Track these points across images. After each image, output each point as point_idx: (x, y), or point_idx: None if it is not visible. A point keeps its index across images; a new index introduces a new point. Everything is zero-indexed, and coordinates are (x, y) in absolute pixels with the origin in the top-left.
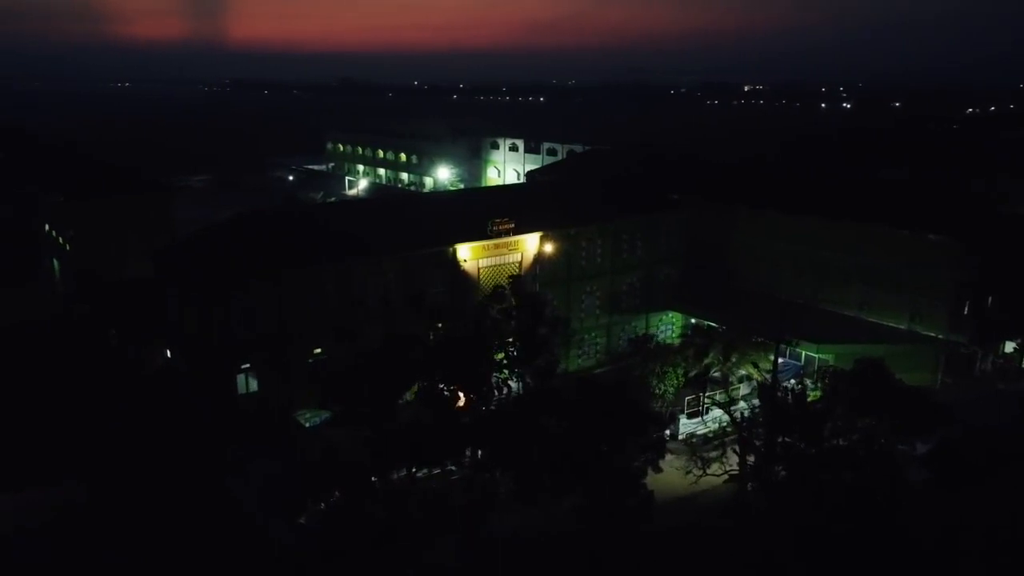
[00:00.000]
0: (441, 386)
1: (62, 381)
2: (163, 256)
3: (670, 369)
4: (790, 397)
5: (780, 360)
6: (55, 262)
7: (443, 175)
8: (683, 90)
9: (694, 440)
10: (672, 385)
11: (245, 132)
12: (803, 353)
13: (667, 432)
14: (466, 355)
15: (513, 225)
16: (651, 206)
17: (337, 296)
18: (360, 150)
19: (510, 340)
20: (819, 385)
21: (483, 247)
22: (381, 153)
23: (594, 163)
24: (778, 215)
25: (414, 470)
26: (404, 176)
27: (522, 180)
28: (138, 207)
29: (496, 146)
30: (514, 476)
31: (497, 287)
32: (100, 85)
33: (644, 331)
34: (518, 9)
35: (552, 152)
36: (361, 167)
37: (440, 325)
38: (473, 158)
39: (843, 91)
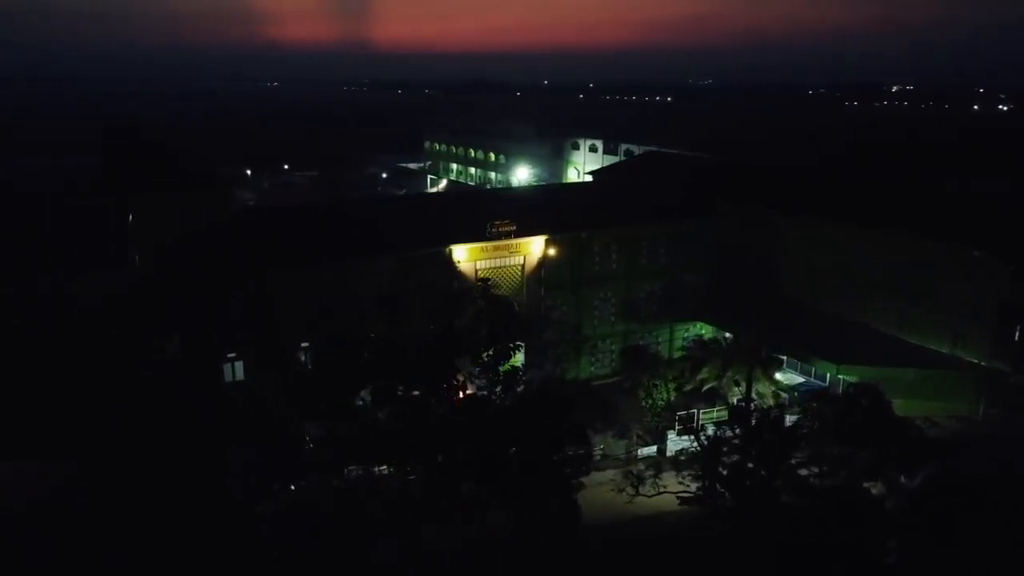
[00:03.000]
0: (400, 388)
1: (66, 377)
2: (164, 254)
3: (660, 382)
4: (755, 418)
5: (802, 380)
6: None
7: (523, 175)
8: (822, 90)
9: (683, 458)
10: (662, 399)
11: (366, 129)
12: (827, 374)
13: (654, 448)
14: (424, 358)
15: (514, 227)
16: (678, 211)
17: (326, 295)
18: (454, 149)
19: (480, 345)
20: (799, 409)
21: (481, 249)
22: (472, 152)
23: (654, 165)
24: (818, 223)
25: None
26: (492, 175)
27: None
28: (193, 201)
29: (577, 147)
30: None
31: (463, 290)
32: (250, 85)
33: (668, 341)
34: (660, 6)
35: (629, 153)
36: (455, 166)
37: (431, 326)
38: (555, 158)
39: (1001, 93)
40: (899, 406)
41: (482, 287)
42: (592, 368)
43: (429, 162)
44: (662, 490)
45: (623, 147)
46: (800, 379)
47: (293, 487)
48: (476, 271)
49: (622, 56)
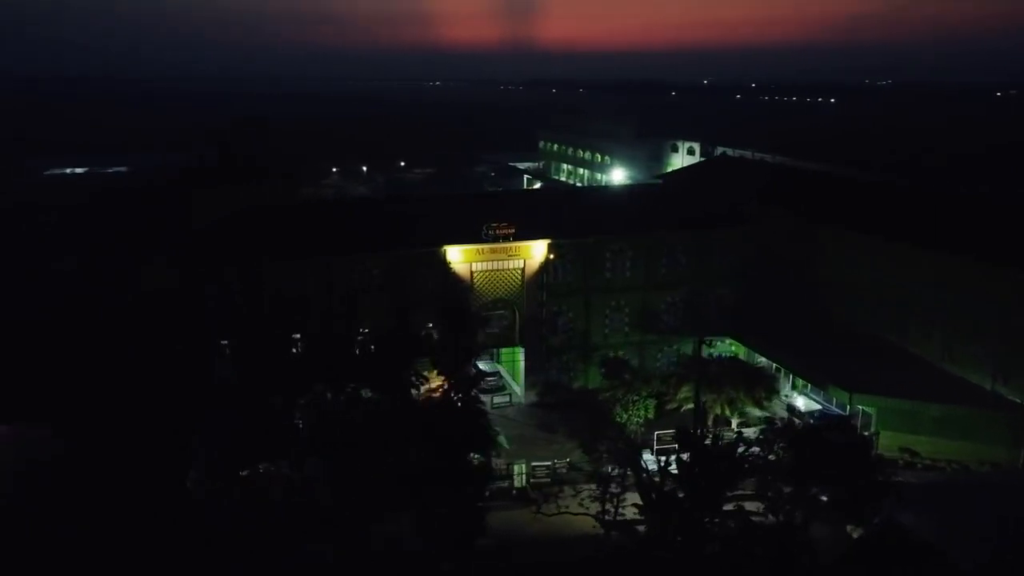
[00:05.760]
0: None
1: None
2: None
3: (638, 398)
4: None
5: (820, 407)
6: None
7: (618, 176)
8: (1012, 91)
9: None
10: (639, 416)
11: (500, 127)
12: (846, 404)
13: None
14: (376, 356)
15: (513, 230)
16: (705, 219)
17: (313, 290)
18: (565, 149)
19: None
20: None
21: (477, 251)
22: (580, 153)
23: (722, 169)
24: (866, 238)
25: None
26: (598, 176)
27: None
28: (254, 193)
29: (676, 149)
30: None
31: (430, 292)
32: (413, 84)
33: (690, 355)
34: (834, 2)
35: (724, 156)
36: (565, 166)
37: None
38: (654, 161)
39: None
40: (924, 444)
41: (444, 289)
42: (601, 378)
43: (542, 162)
44: (563, 510)
45: (719, 150)
46: (818, 406)
47: (245, 472)
48: (472, 273)
49: (797, 54)
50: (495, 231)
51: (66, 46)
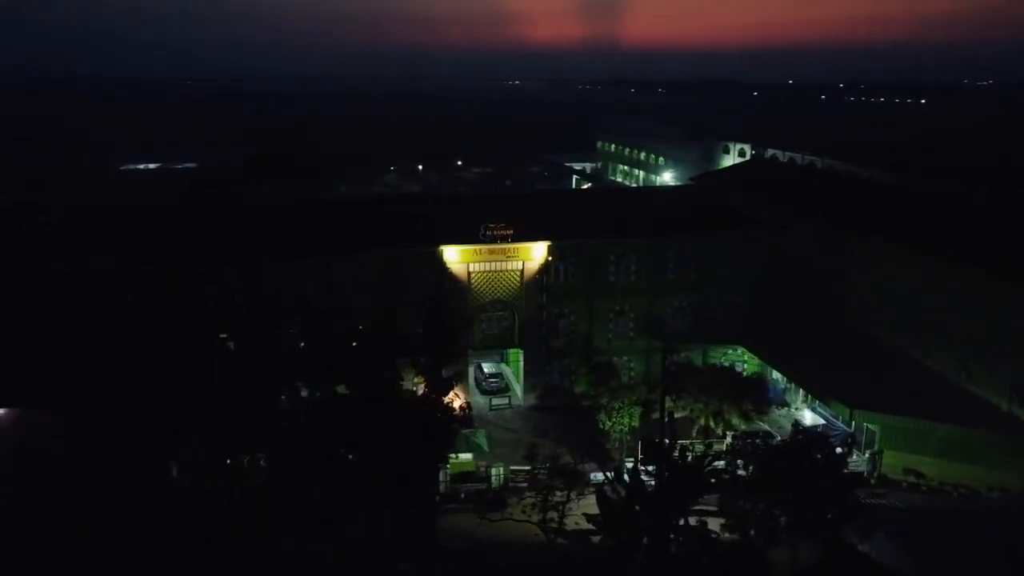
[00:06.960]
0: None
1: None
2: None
3: (621, 405)
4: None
5: (823, 423)
6: None
7: (667, 177)
8: None
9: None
10: (622, 424)
11: (569, 127)
12: (853, 419)
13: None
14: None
15: (512, 231)
16: (705, 223)
17: (311, 288)
18: (622, 150)
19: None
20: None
21: (475, 251)
22: (636, 154)
23: (757, 171)
24: (886, 246)
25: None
26: (652, 176)
27: None
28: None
29: (727, 151)
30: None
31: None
32: (493, 84)
33: (701, 363)
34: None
35: (774, 158)
36: (622, 166)
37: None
38: (706, 162)
39: None
40: (929, 465)
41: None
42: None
43: (600, 162)
44: (507, 517)
45: (769, 152)
46: (824, 421)
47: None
48: (469, 274)
49: (892, 53)
50: (493, 231)
51: (135, 46)
